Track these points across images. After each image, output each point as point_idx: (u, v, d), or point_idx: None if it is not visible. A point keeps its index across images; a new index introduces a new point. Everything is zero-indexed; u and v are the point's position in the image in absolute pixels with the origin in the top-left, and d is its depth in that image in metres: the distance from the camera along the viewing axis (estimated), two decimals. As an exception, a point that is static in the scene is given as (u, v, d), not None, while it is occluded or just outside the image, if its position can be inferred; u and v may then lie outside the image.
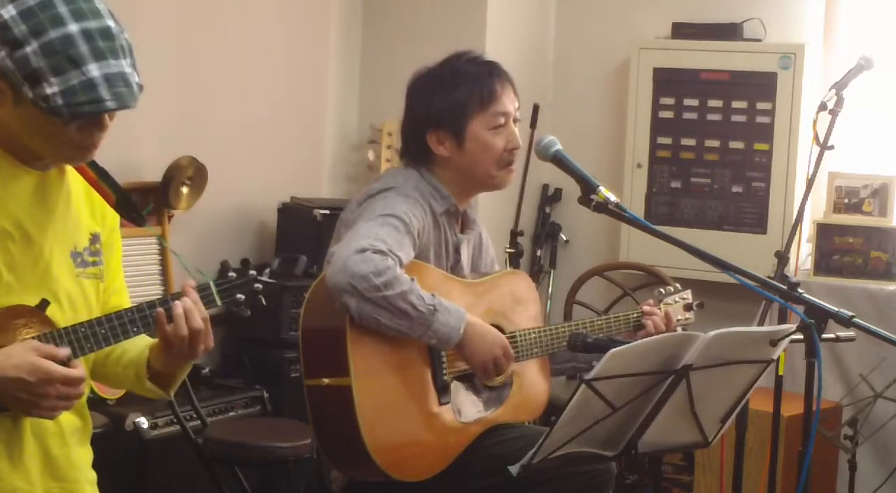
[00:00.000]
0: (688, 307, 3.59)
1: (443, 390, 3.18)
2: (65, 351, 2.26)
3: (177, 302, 2.37)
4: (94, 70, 2.19)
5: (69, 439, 2.42)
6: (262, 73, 5.28)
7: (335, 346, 3.04)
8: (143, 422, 4.32)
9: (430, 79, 3.34)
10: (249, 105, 5.23)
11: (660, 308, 3.52)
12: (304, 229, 4.98)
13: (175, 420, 4.31)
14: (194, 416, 4.39)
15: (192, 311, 2.37)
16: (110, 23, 2.25)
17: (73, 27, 2.19)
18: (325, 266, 3.09)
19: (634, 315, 3.46)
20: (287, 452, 4.15)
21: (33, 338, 2.28)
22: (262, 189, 5.29)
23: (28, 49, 2.17)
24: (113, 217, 2.51)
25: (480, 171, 3.30)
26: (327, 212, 5.01)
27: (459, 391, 3.23)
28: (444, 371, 3.18)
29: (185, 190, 4.75)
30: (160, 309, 2.36)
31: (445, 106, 3.27)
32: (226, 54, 5.13)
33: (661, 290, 3.59)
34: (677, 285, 3.64)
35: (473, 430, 3.23)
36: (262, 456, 4.18)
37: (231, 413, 4.65)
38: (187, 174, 4.75)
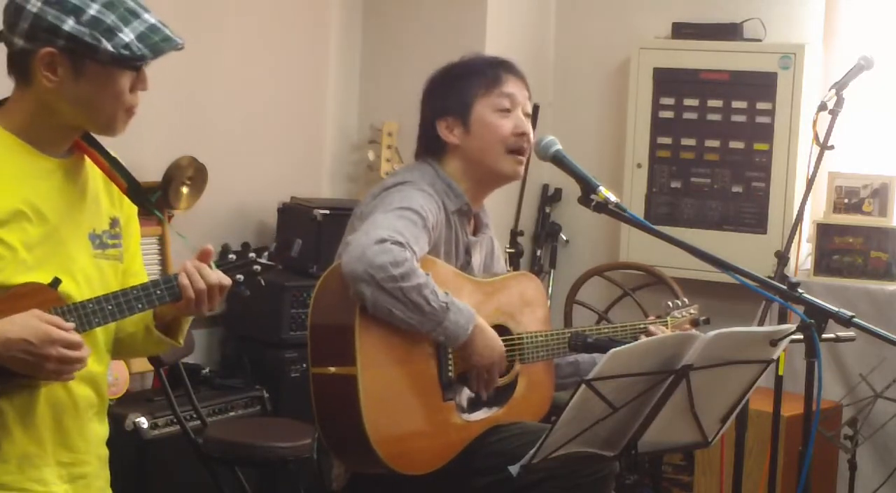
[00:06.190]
0: (694, 322, 3.58)
1: (447, 387, 3.18)
2: (69, 325, 2.37)
3: (179, 277, 2.50)
4: (150, 17, 2.43)
5: (83, 413, 2.54)
6: (262, 73, 5.28)
7: (343, 335, 3.04)
8: (143, 422, 4.32)
9: (442, 74, 3.41)
10: (249, 105, 5.24)
11: (666, 322, 3.52)
12: (304, 229, 4.97)
13: (175, 420, 4.31)
14: (194, 416, 4.39)
15: (196, 278, 2.51)
16: None
17: None
18: (340, 255, 3.11)
19: (641, 326, 3.46)
20: (287, 452, 4.15)
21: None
22: (262, 189, 5.29)
23: (92, 11, 2.38)
24: (130, 205, 2.65)
25: (488, 156, 3.31)
26: (327, 212, 5.01)
27: (464, 389, 3.23)
28: (450, 369, 3.19)
29: (185, 190, 4.75)
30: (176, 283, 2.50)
31: (453, 93, 3.34)
32: (226, 54, 5.13)
33: (669, 303, 3.58)
34: (685, 299, 3.64)
35: (476, 428, 3.23)
36: (262, 456, 4.18)
37: (231, 413, 4.66)
38: (187, 174, 4.75)
